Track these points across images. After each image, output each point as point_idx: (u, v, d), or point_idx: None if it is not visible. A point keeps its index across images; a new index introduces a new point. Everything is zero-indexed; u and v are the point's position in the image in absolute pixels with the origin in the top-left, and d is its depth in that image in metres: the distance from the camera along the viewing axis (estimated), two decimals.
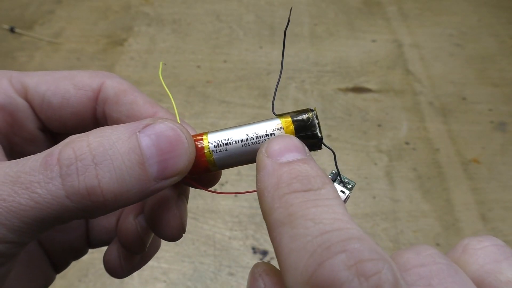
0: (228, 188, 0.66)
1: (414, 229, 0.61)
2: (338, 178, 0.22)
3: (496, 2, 1.05)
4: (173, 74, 0.86)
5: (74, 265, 0.56)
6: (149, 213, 0.24)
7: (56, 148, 0.18)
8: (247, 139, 0.21)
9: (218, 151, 0.21)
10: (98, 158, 0.17)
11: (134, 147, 0.18)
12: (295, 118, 0.21)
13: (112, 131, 0.18)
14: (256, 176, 0.19)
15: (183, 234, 0.26)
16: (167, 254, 0.58)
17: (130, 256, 0.26)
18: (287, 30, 0.22)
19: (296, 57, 0.90)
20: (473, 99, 0.81)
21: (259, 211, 0.21)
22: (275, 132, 0.21)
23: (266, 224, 0.17)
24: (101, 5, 1.04)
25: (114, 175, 0.17)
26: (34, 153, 0.23)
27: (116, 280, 0.56)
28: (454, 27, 0.98)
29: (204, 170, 0.21)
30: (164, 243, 0.59)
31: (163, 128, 0.19)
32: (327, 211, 0.16)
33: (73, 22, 0.99)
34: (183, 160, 0.19)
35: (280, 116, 0.21)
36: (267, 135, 0.21)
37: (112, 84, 0.24)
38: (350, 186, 0.22)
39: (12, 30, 0.95)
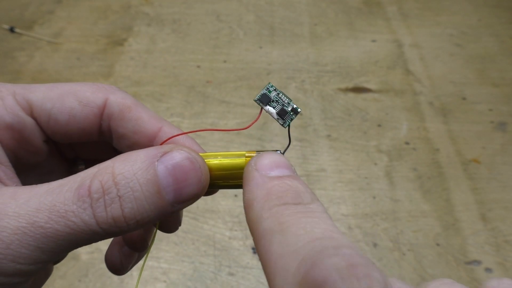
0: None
1: (414, 229, 0.61)
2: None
3: (496, 2, 1.05)
4: (173, 74, 0.86)
5: (74, 265, 0.56)
6: None
7: (86, 179, 0.20)
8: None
9: None
10: (122, 190, 0.20)
11: (153, 178, 0.20)
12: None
13: (134, 162, 0.20)
14: (244, 188, 0.20)
15: (179, 227, 0.29)
16: (167, 254, 0.58)
17: (130, 253, 0.28)
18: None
19: (296, 57, 0.90)
20: (473, 99, 0.81)
21: None
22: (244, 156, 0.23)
23: (253, 234, 0.18)
24: (101, 5, 1.04)
25: (135, 205, 0.20)
26: (38, 162, 0.26)
27: (116, 280, 0.56)
28: (454, 27, 0.98)
29: None
30: (164, 244, 0.59)
31: (179, 157, 0.21)
32: (318, 222, 0.17)
33: (73, 22, 0.99)
34: (198, 187, 0.21)
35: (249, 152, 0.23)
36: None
37: (116, 100, 0.25)
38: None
39: (12, 30, 0.95)
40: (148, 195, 0.20)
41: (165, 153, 0.21)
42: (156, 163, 0.20)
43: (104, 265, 0.58)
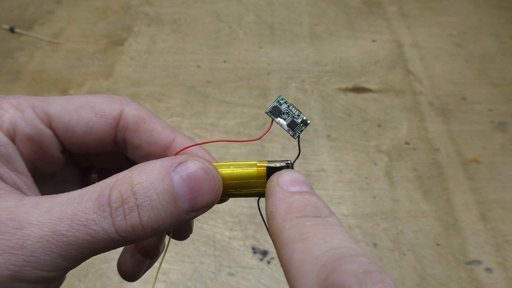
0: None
1: (414, 229, 0.61)
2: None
3: (496, 2, 1.05)
4: (173, 74, 0.86)
5: None
6: None
7: (105, 189, 0.21)
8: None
9: None
10: (140, 200, 0.21)
11: (169, 187, 0.21)
12: (270, 165, 0.23)
13: (150, 172, 0.21)
14: (267, 201, 0.21)
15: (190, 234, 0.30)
16: (167, 254, 0.58)
17: (142, 260, 0.29)
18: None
19: (296, 57, 0.90)
20: (473, 99, 0.81)
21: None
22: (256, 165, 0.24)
23: (275, 243, 0.20)
24: (101, 5, 1.04)
25: (152, 213, 0.21)
26: (54, 172, 0.27)
27: (116, 281, 0.56)
28: (454, 27, 0.98)
29: None
30: None
31: (194, 167, 0.22)
32: (336, 233, 0.19)
33: (73, 22, 0.99)
34: (212, 195, 0.22)
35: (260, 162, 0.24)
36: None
37: (131, 112, 0.26)
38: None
39: (12, 30, 0.95)
40: (164, 204, 0.21)
41: (180, 163, 0.22)
42: (171, 173, 0.21)
43: (104, 265, 0.58)
